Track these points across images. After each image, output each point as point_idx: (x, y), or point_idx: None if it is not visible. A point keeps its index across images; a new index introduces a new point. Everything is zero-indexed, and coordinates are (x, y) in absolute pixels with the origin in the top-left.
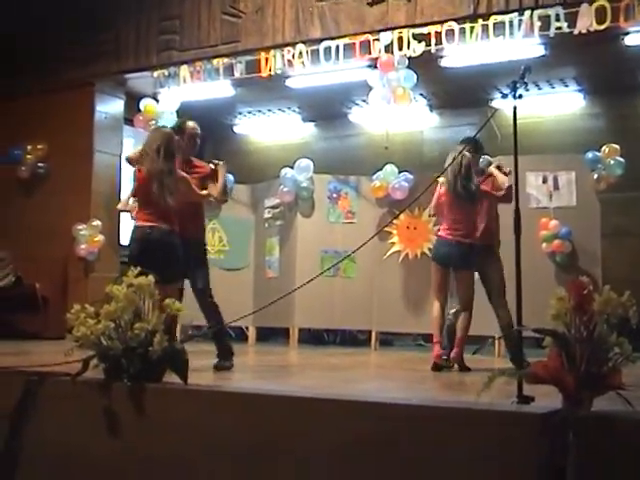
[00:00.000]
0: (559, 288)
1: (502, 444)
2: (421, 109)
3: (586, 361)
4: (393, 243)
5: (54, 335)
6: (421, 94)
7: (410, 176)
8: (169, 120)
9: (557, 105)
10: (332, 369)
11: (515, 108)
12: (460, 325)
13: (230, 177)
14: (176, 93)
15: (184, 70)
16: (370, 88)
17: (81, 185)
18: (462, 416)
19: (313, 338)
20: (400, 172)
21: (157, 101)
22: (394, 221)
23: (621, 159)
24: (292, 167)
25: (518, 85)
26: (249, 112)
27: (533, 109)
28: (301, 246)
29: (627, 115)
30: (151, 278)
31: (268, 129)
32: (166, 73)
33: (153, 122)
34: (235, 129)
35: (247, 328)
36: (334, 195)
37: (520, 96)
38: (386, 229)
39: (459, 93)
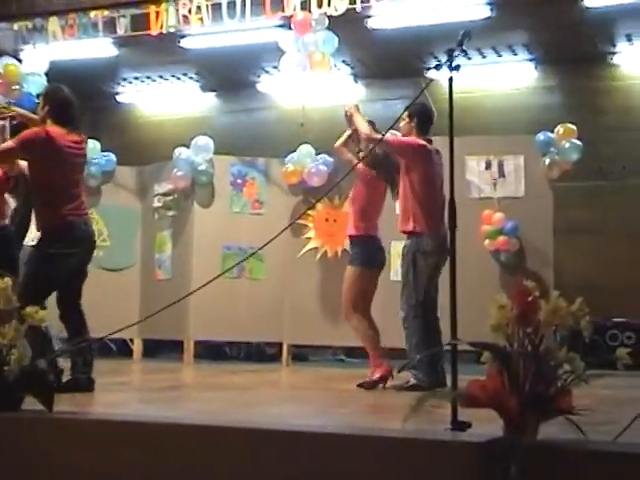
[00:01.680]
0: (501, 294)
1: (435, 477)
2: (344, 79)
3: (531, 380)
4: (309, 239)
5: None
6: (344, 61)
7: (330, 159)
8: (36, 84)
9: (504, 77)
10: (234, 389)
11: (451, 80)
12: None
13: (111, 157)
14: (44, 51)
15: (53, 23)
16: (282, 52)
17: None
18: (387, 446)
19: (212, 352)
20: (318, 154)
21: (20, 60)
22: (310, 212)
23: (578, 142)
24: (188, 146)
25: (456, 53)
26: (136, 78)
27: (475, 81)
28: (198, 242)
29: (586, 89)
30: (8, 280)
31: (159, 99)
32: (30, 26)
33: (17, 86)
34: (118, 98)
35: (132, 341)
36: (238, 181)
37: (457, 67)
38: (300, 221)
39: (389, 61)
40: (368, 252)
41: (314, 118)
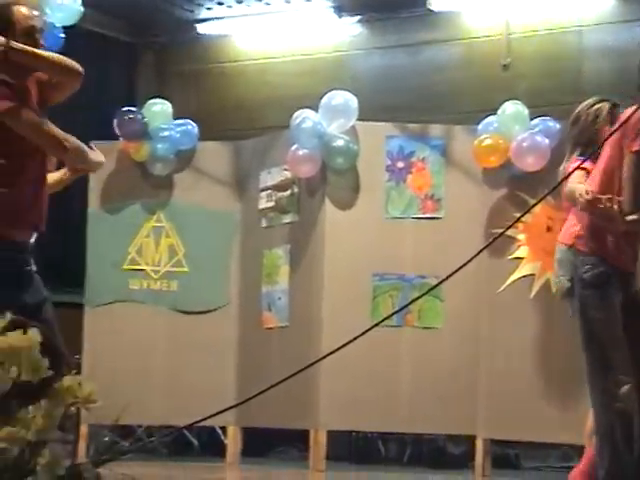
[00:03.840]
0: None
1: None
2: None
3: None
4: (518, 260)
5: None
6: None
7: (554, 124)
8: (66, 11)
9: None
10: None
11: None
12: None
13: (189, 127)
14: None
15: None
16: None
17: None
18: None
19: (357, 451)
20: (534, 117)
21: None
22: (524, 218)
23: None
24: (315, 108)
25: None
26: None
27: None
28: (332, 266)
29: None
30: (35, 334)
31: (266, 30)
32: None
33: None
34: (200, 29)
35: (224, 431)
36: (400, 164)
37: None
38: (508, 233)
39: None
40: None
41: (527, 55)
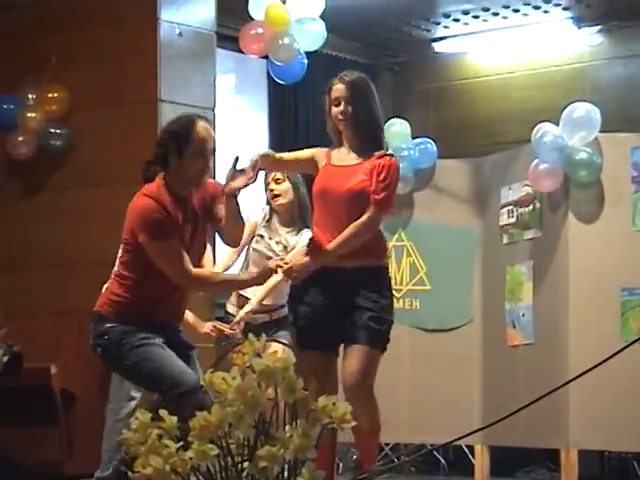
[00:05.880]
0: None
1: None
2: None
3: None
4: None
5: (87, 470)
6: None
7: None
8: (310, 36)
9: None
10: None
11: None
12: None
13: (429, 146)
14: None
15: None
16: None
17: (133, 171)
18: None
19: (610, 472)
20: None
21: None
22: None
23: None
24: (556, 121)
25: None
26: (464, 12)
27: None
28: (578, 281)
29: None
30: (289, 353)
31: (503, 46)
32: None
33: (283, 41)
34: (437, 47)
35: (471, 450)
36: None
37: None
38: None
39: None
40: None
41: None
